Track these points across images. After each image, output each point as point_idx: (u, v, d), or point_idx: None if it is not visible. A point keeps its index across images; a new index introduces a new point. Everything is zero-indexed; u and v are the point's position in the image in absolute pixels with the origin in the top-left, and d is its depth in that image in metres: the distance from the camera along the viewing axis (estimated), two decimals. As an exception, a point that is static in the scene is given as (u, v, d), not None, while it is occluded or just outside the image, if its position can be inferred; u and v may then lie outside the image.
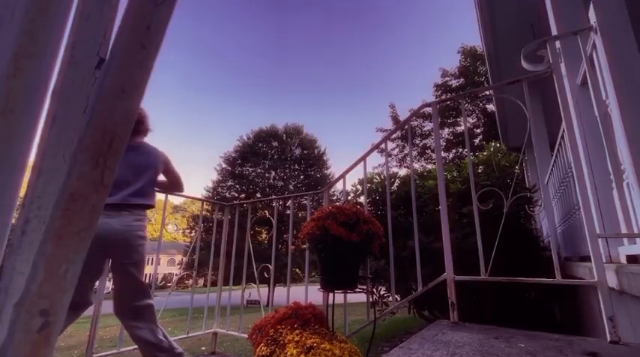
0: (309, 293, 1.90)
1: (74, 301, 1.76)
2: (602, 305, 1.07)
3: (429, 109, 1.85)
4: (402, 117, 13.48)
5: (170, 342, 1.69)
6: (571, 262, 2.10)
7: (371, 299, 1.80)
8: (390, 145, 13.06)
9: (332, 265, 1.39)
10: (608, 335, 1.03)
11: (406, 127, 2.07)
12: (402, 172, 3.38)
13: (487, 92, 8.72)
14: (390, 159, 10.33)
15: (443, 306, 2.30)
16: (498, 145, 3.18)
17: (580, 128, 1.47)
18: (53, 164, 0.25)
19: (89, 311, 1.75)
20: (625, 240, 1.28)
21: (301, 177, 19.85)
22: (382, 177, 3.05)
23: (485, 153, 2.72)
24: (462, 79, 12.47)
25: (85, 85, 0.27)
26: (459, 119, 12.25)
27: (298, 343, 1.14)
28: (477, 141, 11.59)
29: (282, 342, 1.18)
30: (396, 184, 3.16)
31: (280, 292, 15.10)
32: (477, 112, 12.13)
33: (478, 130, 12.09)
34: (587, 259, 1.68)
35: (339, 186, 2.35)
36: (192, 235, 18.19)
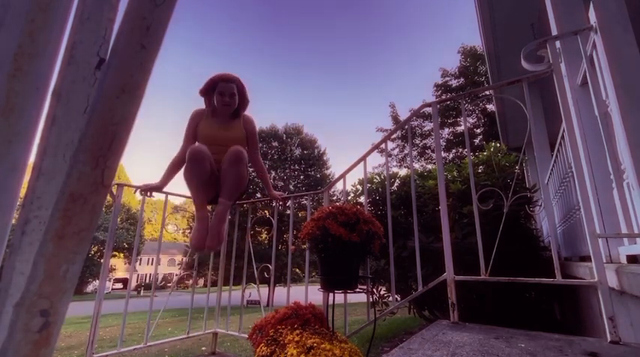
0: (309, 293, 1.90)
1: None
2: (602, 305, 1.07)
3: (429, 109, 1.85)
4: (402, 117, 13.50)
5: None
6: (571, 262, 2.10)
7: (371, 299, 1.80)
8: (390, 145, 13.06)
9: (332, 265, 1.39)
10: (608, 335, 1.03)
11: (406, 127, 2.07)
12: (402, 172, 3.37)
13: (487, 92, 8.72)
14: (390, 159, 10.33)
15: (443, 306, 2.30)
16: (498, 145, 3.18)
17: (580, 128, 1.47)
18: (53, 164, 0.25)
19: (89, 311, 1.75)
20: (625, 240, 1.28)
21: (301, 177, 19.85)
22: (382, 177, 3.05)
23: (485, 153, 2.72)
24: (462, 79, 12.47)
25: (85, 85, 0.27)
26: (459, 119, 12.25)
27: (298, 343, 1.14)
28: (477, 141, 11.59)
29: (282, 342, 1.18)
30: (396, 184, 3.16)
31: (280, 292, 15.10)
32: (477, 112, 12.13)
33: (478, 130, 12.09)
34: (587, 259, 1.68)
35: (339, 186, 2.35)
36: (193, 235, 18.12)
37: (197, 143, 1.96)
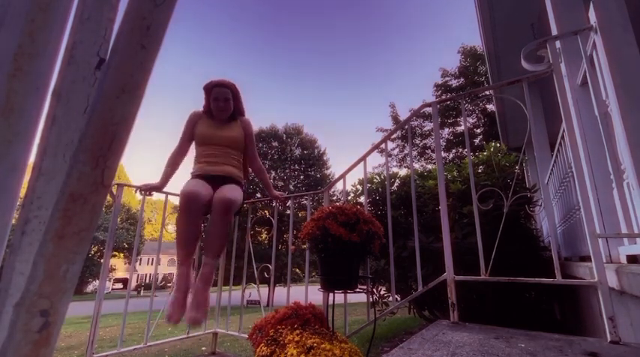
0: (309, 293, 1.90)
1: None
2: (602, 305, 1.07)
3: (429, 109, 1.85)
4: (402, 117, 13.50)
5: None
6: (571, 262, 2.10)
7: (371, 299, 1.80)
8: (390, 145, 13.06)
9: (332, 265, 1.39)
10: (608, 335, 1.03)
11: (406, 127, 2.07)
12: (402, 172, 3.37)
13: (487, 92, 8.72)
14: (390, 159, 10.33)
15: (443, 306, 2.30)
16: (498, 145, 3.17)
17: (580, 128, 1.47)
18: (53, 164, 0.25)
19: (89, 311, 1.75)
20: (625, 240, 1.28)
21: (301, 177, 19.86)
22: (382, 177, 3.05)
23: (485, 153, 2.72)
24: (462, 79, 12.47)
25: (85, 85, 0.27)
26: (459, 119, 12.25)
27: (298, 343, 1.14)
28: (477, 141, 11.59)
29: (282, 342, 1.18)
30: (396, 184, 3.16)
31: (280, 292, 15.10)
32: (477, 112, 12.13)
33: (478, 130, 12.09)
34: (587, 259, 1.68)
35: (339, 186, 2.35)
36: (193, 235, 18.11)
37: (190, 182, 1.85)
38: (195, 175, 1.94)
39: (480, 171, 2.62)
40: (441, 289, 1.57)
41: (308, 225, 1.41)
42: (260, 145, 19.58)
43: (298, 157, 19.99)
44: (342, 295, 1.51)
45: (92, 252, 23.92)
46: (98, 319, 1.68)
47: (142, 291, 27.20)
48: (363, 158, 1.98)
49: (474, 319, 1.39)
